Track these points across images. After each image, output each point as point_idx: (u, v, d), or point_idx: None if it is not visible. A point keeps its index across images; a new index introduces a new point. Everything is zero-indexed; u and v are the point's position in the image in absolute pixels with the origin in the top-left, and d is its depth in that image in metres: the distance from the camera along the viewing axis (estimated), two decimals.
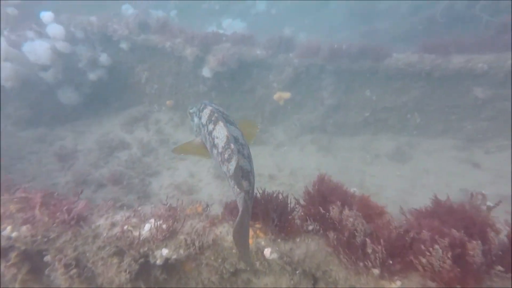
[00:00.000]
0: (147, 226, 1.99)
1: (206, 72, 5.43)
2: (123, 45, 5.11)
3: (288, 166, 5.24)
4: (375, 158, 5.00)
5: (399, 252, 1.45)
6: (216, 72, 5.34)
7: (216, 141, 2.46)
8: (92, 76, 5.06)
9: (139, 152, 5.14)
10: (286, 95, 5.62)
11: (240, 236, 1.88)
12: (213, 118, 2.54)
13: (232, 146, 2.22)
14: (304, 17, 9.42)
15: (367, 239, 1.49)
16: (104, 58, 5.09)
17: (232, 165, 2.21)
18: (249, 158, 2.33)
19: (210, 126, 2.57)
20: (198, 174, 5.09)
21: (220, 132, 2.43)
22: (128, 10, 7.93)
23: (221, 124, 2.43)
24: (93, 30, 5.11)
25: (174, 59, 5.40)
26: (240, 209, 1.94)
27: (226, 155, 2.31)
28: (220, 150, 2.36)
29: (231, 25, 7.92)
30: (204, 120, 2.67)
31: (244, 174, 2.14)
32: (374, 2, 7.91)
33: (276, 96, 5.69)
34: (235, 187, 2.11)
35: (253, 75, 5.71)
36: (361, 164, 5.01)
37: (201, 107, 2.73)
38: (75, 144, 4.98)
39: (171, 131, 5.76)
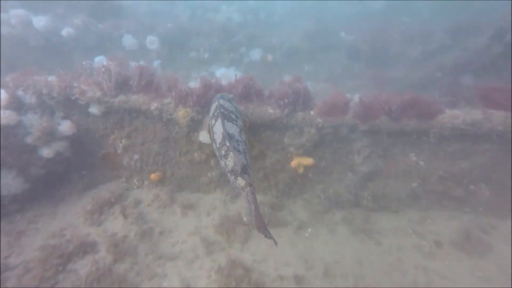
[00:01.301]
0: None
1: (204, 137, 4.36)
2: (94, 110, 3.98)
3: (319, 260, 4.00)
4: (435, 246, 3.88)
5: None
6: None
7: (215, 136, 2.81)
8: (48, 151, 3.81)
9: (110, 256, 3.70)
10: (308, 161, 4.61)
11: (260, 223, 2.24)
12: (216, 114, 2.91)
13: (227, 143, 2.58)
14: (303, 63, 8.95)
15: None
16: (65, 127, 3.89)
17: (230, 161, 2.54)
18: (245, 152, 2.69)
19: (213, 121, 2.95)
20: (194, 282, 3.70)
21: (218, 129, 2.78)
22: (128, 40, 7.03)
23: (219, 121, 2.79)
24: (52, 93, 3.97)
25: (161, 123, 4.30)
26: (252, 204, 2.33)
27: (223, 151, 2.64)
28: (217, 145, 2.72)
29: (226, 75, 7.13)
30: (211, 113, 3.06)
31: (243, 169, 2.48)
32: (386, 46, 7.56)
33: (294, 163, 4.66)
34: (237, 181, 2.49)
35: (263, 138, 4.69)
36: (418, 255, 3.87)
37: (214, 100, 3.11)
38: (8, 255, 3.45)
39: (156, 215, 4.42)
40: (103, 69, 3.81)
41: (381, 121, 4.11)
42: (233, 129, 2.82)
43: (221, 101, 3.08)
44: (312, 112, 4.49)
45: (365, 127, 4.20)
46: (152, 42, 7.18)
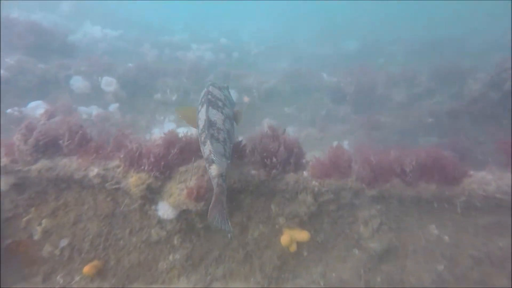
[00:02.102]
0: None
1: (165, 211, 3.32)
2: None
3: None
4: None
5: None
6: (184, 211, 3.26)
7: (198, 122, 3.01)
8: None
9: None
10: (302, 235, 3.67)
11: (215, 213, 2.42)
12: (202, 100, 3.10)
13: (206, 131, 2.74)
14: (283, 105, 8.40)
15: None
16: None
17: (207, 149, 2.71)
18: (225, 141, 2.84)
19: (199, 107, 3.12)
20: None
21: (202, 115, 2.95)
22: (77, 82, 5.88)
23: (204, 107, 2.95)
24: None
25: (105, 194, 3.20)
26: (214, 196, 2.47)
27: (202, 138, 2.83)
28: (199, 131, 2.93)
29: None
30: (199, 101, 3.23)
31: (217, 158, 2.61)
32: (371, 89, 7.23)
33: (284, 239, 3.68)
34: (210, 169, 2.66)
35: (244, 206, 3.74)
36: None
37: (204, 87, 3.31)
38: None
39: None
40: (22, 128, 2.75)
41: (392, 185, 3.35)
42: (217, 116, 2.94)
43: (211, 88, 3.22)
44: (305, 173, 3.65)
45: (373, 192, 3.41)
46: (108, 83, 6.26)
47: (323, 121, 8.07)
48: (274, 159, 3.49)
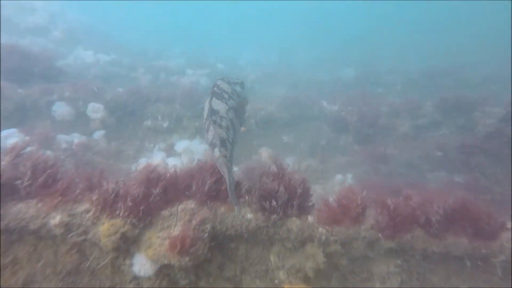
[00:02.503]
0: None
1: (142, 266, 2.76)
2: None
3: None
4: None
5: None
6: (164, 266, 2.71)
7: (203, 112, 3.29)
8: None
9: None
10: None
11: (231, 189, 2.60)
12: (209, 91, 3.41)
13: (210, 118, 3.01)
14: (281, 133, 8.03)
15: None
16: None
17: (210, 135, 2.94)
18: (227, 128, 3.07)
19: (206, 99, 3.42)
20: None
21: (206, 104, 3.28)
22: (60, 108, 5.41)
23: (209, 98, 3.27)
24: None
25: (68, 246, 2.65)
26: (225, 172, 2.67)
27: (206, 125, 3.10)
28: (204, 120, 3.19)
29: (188, 150, 5.81)
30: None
31: (221, 142, 2.86)
32: (374, 119, 6.92)
33: None
34: (213, 153, 2.84)
35: (237, 256, 3.20)
36: None
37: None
38: None
39: None
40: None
41: (414, 236, 2.86)
42: (220, 106, 3.18)
43: (219, 82, 3.57)
44: (310, 218, 3.16)
45: (391, 244, 2.91)
46: (95, 110, 5.86)
47: (323, 151, 7.67)
48: (274, 202, 3.01)
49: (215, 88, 3.41)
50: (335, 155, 7.54)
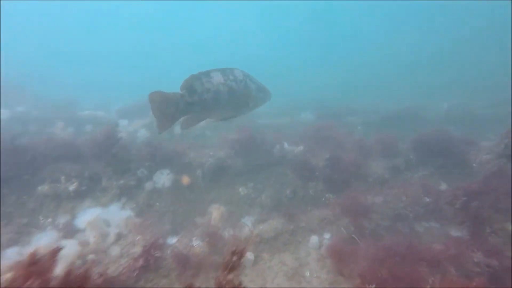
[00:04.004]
0: None
1: None
2: None
3: None
4: None
5: None
6: None
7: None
8: None
9: None
10: None
11: None
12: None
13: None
14: (237, 184, 6.58)
15: None
16: None
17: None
18: (204, 92, 3.90)
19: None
20: None
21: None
22: None
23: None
24: None
25: None
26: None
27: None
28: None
29: (97, 223, 4.01)
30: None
31: (189, 91, 3.84)
32: (345, 162, 5.86)
33: None
34: None
35: None
36: None
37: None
38: None
39: None
40: None
41: None
42: (216, 75, 3.98)
43: (236, 70, 4.18)
44: None
45: None
46: None
47: (290, 203, 6.30)
48: None
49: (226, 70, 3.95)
50: (306, 207, 6.20)
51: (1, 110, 8.32)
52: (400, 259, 3.27)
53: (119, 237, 4.05)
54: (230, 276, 1.72)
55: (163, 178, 5.56)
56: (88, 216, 3.94)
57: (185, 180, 5.96)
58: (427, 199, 5.21)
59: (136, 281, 3.49)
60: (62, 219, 4.47)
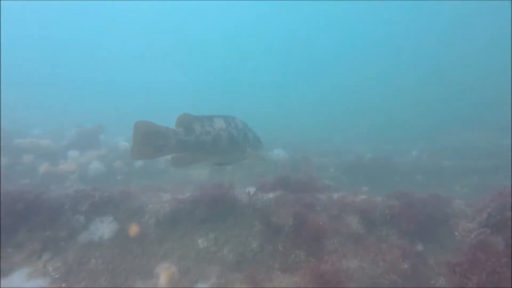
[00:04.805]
0: None
1: None
2: None
3: None
4: None
5: None
6: None
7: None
8: None
9: None
10: None
11: None
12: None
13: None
14: (195, 236, 5.75)
15: None
16: None
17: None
18: (203, 134, 4.11)
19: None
20: None
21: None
22: None
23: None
24: None
25: None
26: None
27: None
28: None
29: None
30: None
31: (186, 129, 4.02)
32: (314, 216, 5.32)
33: None
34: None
35: None
36: None
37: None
38: None
39: None
40: None
41: None
42: (218, 121, 4.19)
43: (237, 119, 4.51)
44: None
45: None
46: None
47: (256, 261, 5.53)
48: None
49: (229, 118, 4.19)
50: (273, 266, 5.46)
51: None
52: None
53: None
54: None
55: (104, 227, 4.62)
56: None
57: (133, 229, 5.03)
58: (406, 265, 4.73)
59: None
60: None
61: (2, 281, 3.04)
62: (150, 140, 3.76)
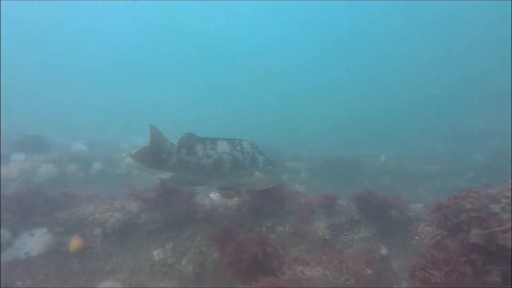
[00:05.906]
0: None
1: None
2: None
3: None
4: None
5: None
6: None
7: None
8: None
9: None
10: None
11: None
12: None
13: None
14: (150, 246, 5.26)
15: None
16: None
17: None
18: (204, 157, 4.05)
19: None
20: None
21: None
22: None
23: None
24: None
25: None
26: None
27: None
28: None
29: None
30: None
31: (188, 151, 4.00)
32: None
33: None
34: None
35: None
36: None
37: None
38: None
39: None
40: None
41: None
42: (223, 144, 4.13)
43: (244, 142, 4.29)
44: None
45: None
46: None
47: (215, 273, 5.13)
48: None
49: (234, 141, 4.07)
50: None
51: None
52: None
53: None
54: None
55: (33, 242, 4.02)
56: None
57: (75, 243, 4.46)
58: (369, 272, 4.56)
59: None
60: None
61: None
62: (156, 149, 3.71)
